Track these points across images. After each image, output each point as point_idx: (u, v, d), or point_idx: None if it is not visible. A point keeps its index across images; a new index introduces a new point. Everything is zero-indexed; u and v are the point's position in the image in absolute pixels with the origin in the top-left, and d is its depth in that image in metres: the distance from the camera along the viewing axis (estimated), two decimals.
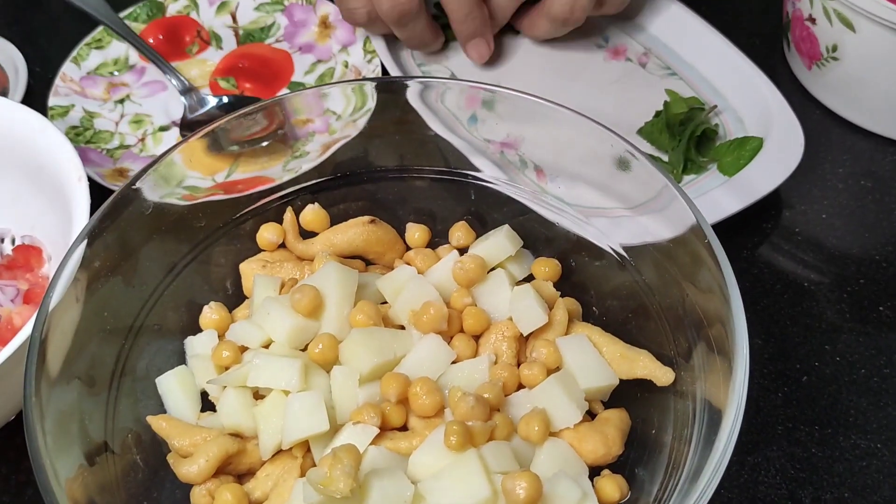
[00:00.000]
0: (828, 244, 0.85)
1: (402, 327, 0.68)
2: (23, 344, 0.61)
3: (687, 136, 0.88)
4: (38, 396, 0.54)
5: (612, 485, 0.60)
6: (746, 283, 0.82)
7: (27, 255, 0.77)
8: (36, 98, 0.97)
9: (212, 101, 0.95)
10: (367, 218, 0.74)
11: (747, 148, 0.86)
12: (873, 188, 0.89)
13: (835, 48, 0.90)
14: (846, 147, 0.93)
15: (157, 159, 0.67)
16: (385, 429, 0.62)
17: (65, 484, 0.53)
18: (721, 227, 0.76)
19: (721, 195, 0.83)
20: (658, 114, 0.92)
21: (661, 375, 0.63)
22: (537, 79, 0.99)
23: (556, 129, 0.70)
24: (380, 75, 0.95)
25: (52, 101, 0.95)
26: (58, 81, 0.96)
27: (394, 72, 0.94)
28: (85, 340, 0.62)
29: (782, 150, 0.85)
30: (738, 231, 0.84)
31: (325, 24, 1.04)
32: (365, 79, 0.92)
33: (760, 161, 0.85)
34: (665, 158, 0.89)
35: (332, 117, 0.77)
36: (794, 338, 0.78)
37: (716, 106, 0.94)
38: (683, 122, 0.90)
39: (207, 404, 0.67)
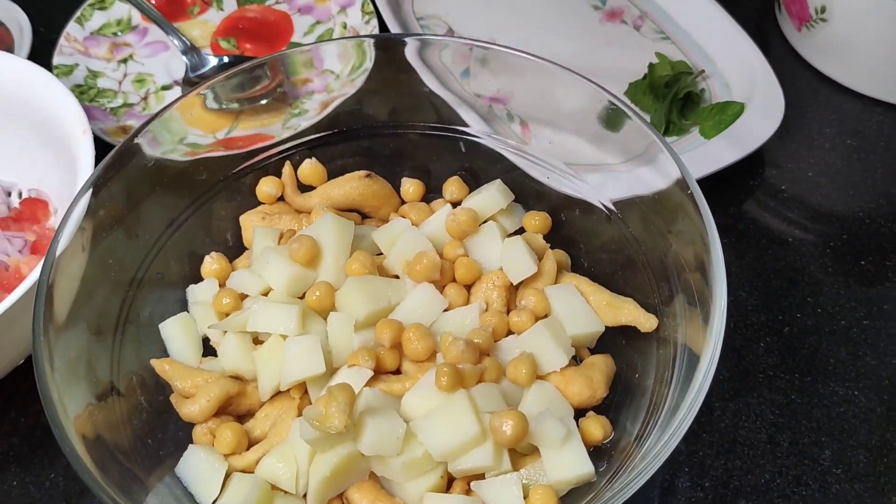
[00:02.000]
0: (813, 201, 0.87)
1: (397, 277, 0.70)
2: (30, 289, 0.64)
3: (669, 99, 0.90)
4: (47, 336, 0.57)
5: (596, 425, 0.62)
6: (732, 237, 0.84)
7: (34, 207, 0.80)
8: (40, 58, 0.98)
9: (213, 61, 0.96)
10: (363, 172, 0.76)
11: (728, 113, 0.88)
12: (859, 147, 0.91)
13: (823, 9, 0.91)
14: (833, 107, 0.95)
15: (159, 112, 0.69)
16: (379, 372, 0.64)
17: (73, 420, 0.55)
18: (706, 185, 0.77)
19: (701, 156, 0.85)
20: (644, 76, 0.94)
21: (645, 322, 0.66)
22: (532, 36, 1.01)
23: (545, 85, 0.72)
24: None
25: (57, 60, 0.96)
26: (62, 41, 0.98)
27: (393, 28, 0.96)
28: (91, 287, 0.64)
29: (763, 114, 0.87)
30: (724, 188, 0.86)
31: None
32: (364, 36, 0.93)
33: (742, 124, 0.87)
34: (647, 120, 0.91)
35: (330, 76, 0.78)
36: (777, 290, 0.80)
37: (703, 71, 0.95)
38: (668, 85, 0.92)
39: (208, 350, 0.69)
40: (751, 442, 0.71)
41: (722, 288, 0.57)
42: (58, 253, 0.60)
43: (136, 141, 0.67)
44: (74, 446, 0.53)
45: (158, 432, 0.65)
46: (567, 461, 0.59)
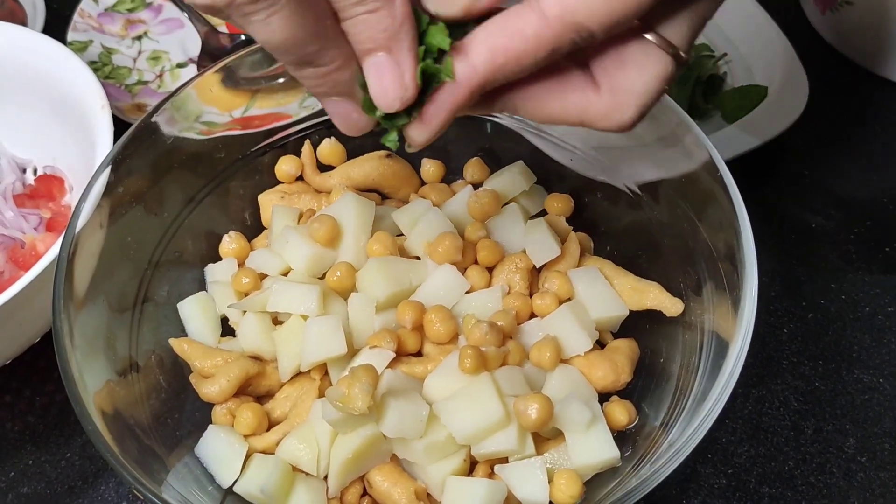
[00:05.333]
0: (835, 187, 0.86)
1: (418, 258, 0.69)
2: (47, 267, 0.63)
3: (692, 82, 0.89)
4: (67, 312, 0.56)
5: (620, 409, 0.62)
6: (754, 223, 0.81)
7: (49, 184, 0.79)
8: (53, 34, 0.96)
9: (228, 39, 0.95)
10: (383, 152, 0.75)
11: (751, 96, 0.87)
12: (883, 132, 0.90)
13: None
14: (857, 92, 0.94)
15: (177, 90, 0.68)
16: (400, 354, 0.63)
17: (93, 396, 0.55)
18: (728, 170, 0.77)
19: (723, 140, 0.83)
20: None
21: (671, 306, 0.65)
22: None
23: None
24: None
25: (71, 36, 0.95)
26: (76, 17, 0.97)
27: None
28: (109, 265, 0.63)
29: (787, 99, 0.86)
30: (746, 173, 0.84)
31: None
32: None
33: (765, 108, 0.86)
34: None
35: None
36: (800, 277, 0.79)
37: (725, 54, 0.94)
38: (691, 68, 0.91)
39: (226, 330, 0.69)
40: (774, 429, 0.70)
41: (753, 275, 0.56)
42: (77, 229, 0.59)
43: (154, 118, 0.67)
44: (95, 423, 0.53)
45: (177, 412, 0.64)
46: (592, 446, 0.58)
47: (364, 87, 0.45)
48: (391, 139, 0.47)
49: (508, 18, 0.43)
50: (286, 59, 0.44)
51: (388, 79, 0.44)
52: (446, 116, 0.46)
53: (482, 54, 0.43)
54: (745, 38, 0.95)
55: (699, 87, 0.89)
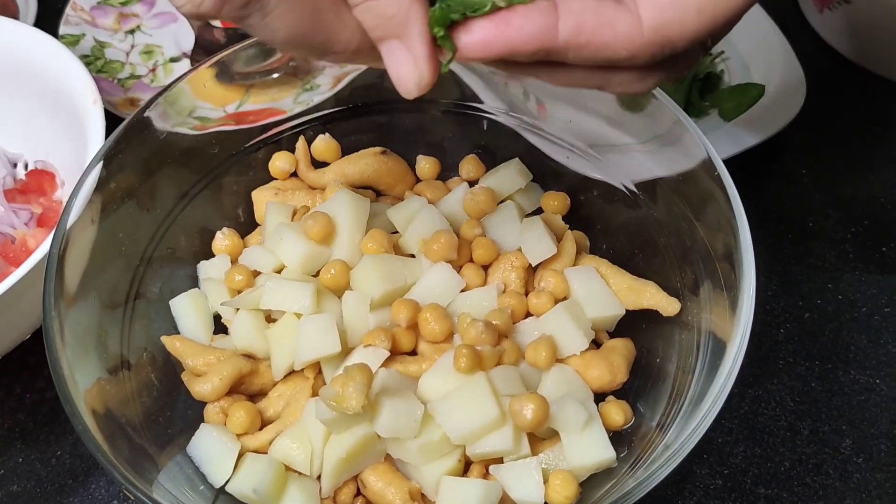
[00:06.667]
0: (833, 186, 0.86)
1: (413, 256, 0.68)
2: (38, 263, 0.62)
3: (689, 80, 0.88)
4: (58, 309, 0.56)
5: (616, 410, 0.61)
6: (750, 222, 0.81)
7: (40, 179, 0.78)
8: (45, 27, 0.95)
9: (223, 34, 0.94)
10: (378, 149, 0.74)
11: (748, 94, 0.87)
12: (881, 132, 0.90)
13: None
14: (855, 91, 0.94)
15: (170, 85, 0.67)
16: (395, 353, 0.63)
17: (84, 394, 0.54)
18: (725, 167, 0.76)
19: (721, 139, 0.83)
20: None
21: (668, 306, 0.64)
22: None
23: None
24: None
25: (63, 29, 0.95)
26: (68, 10, 0.96)
27: None
28: (100, 261, 0.62)
29: (784, 97, 0.86)
30: (743, 171, 0.84)
31: None
32: None
33: (762, 107, 0.85)
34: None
35: None
36: (797, 276, 0.79)
37: (722, 52, 0.93)
38: None
39: (219, 327, 0.68)
40: (770, 429, 0.70)
41: (751, 276, 0.56)
42: (68, 225, 0.59)
43: (147, 113, 0.66)
44: (86, 422, 0.52)
45: (168, 410, 0.64)
46: (588, 446, 0.58)
47: None
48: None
49: (602, 6, 0.41)
50: (300, 54, 0.42)
51: (403, 66, 0.42)
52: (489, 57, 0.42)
53: (568, 24, 0.41)
54: (743, 36, 0.94)
55: (696, 85, 0.89)
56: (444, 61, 0.43)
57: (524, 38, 0.41)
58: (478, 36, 0.41)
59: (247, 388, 0.64)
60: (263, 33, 0.41)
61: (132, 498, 0.51)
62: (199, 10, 0.39)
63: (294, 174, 0.75)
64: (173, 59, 0.95)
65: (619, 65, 0.43)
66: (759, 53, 0.92)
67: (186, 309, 0.67)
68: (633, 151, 0.70)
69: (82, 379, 0.55)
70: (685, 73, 0.47)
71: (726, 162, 0.79)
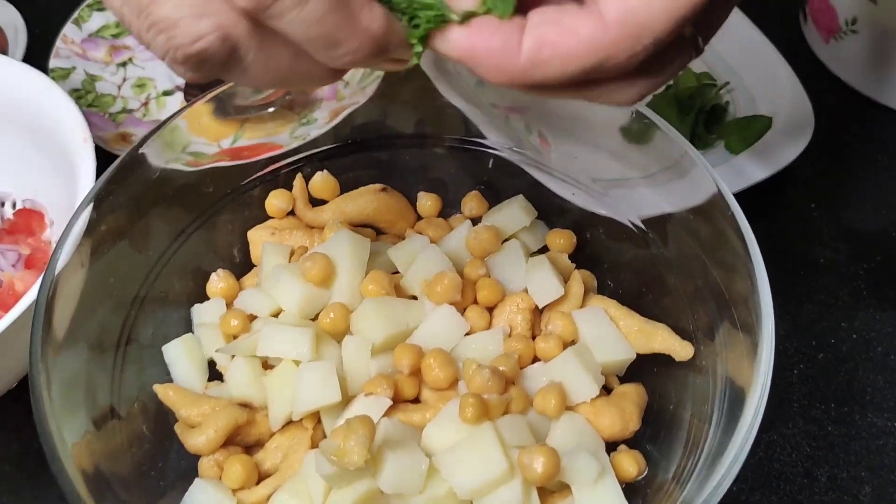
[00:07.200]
0: (843, 220, 0.84)
1: (415, 298, 0.66)
2: (27, 309, 0.60)
3: (695, 112, 0.87)
4: (45, 360, 0.53)
5: (629, 460, 0.59)
6: None
7: (28, 219, 0.76)
8: (35, 60, 0.94)
9: None
10: (378, 186, 0.72)
11: (755, 127, 0.85)
12: (889, 163, 0.88)
13: (854, 21, 0.88)
14: (863, 122, 0.92)
15: (164, 122, 0.65)
16: (397, 401, 0.60)
17: (71, 450, 0.51)
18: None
19: (728, 172, 0.81)
20: (668, 87, 0.90)
21: (681, 350, 0.62)
22: None
23: None
24: None
25: (53, 63, 0.93)
26: (59, 43, 0.94)
27: None
28: (90, 306, 0.60)
29: (792, 129, 0.84)
30: (751, 206, 0.82)
31: None
32: None
33: (770, 139, 0.83)
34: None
35: (340, 83, 0.75)
36: (809, 314, 0.77)
37: (728, 83, 0.92)
38: (692, 97, 0.89)
39: (214, 374, 0.66)
40: (787, 476, 0.67)
41: (769, 325, 0.53)
42: (57, 270, 0.56)
43: (140, 151, 0.64)
44: (73, 482, 0.49)
45: (160, 462, 0.61)
46: (601, 500, 0.55)
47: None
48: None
49: (563, 12, 0.38)
50: (326, 56, 0.39)
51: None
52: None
53: (530, 40, 0.38)
54: (748, 67, 0.93)
55: (702, 117, 0.87)
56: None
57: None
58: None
59: (243, 439, 0.61)
60: (245, 82, 0.40)
61: None
62: (184, 76, 0.39)
63: (291, 213, 0.73)
64: (166, 93, 0.93)
65: (599, 74, 0.40)
66: (764, 85, 0.90)
67: (180, 355, 0.65)
68: (639, 186, 0.68)
69: (70, 433, 0.52)
70: (674, 76, 0.44)
71: (734, 196, 0.77)
